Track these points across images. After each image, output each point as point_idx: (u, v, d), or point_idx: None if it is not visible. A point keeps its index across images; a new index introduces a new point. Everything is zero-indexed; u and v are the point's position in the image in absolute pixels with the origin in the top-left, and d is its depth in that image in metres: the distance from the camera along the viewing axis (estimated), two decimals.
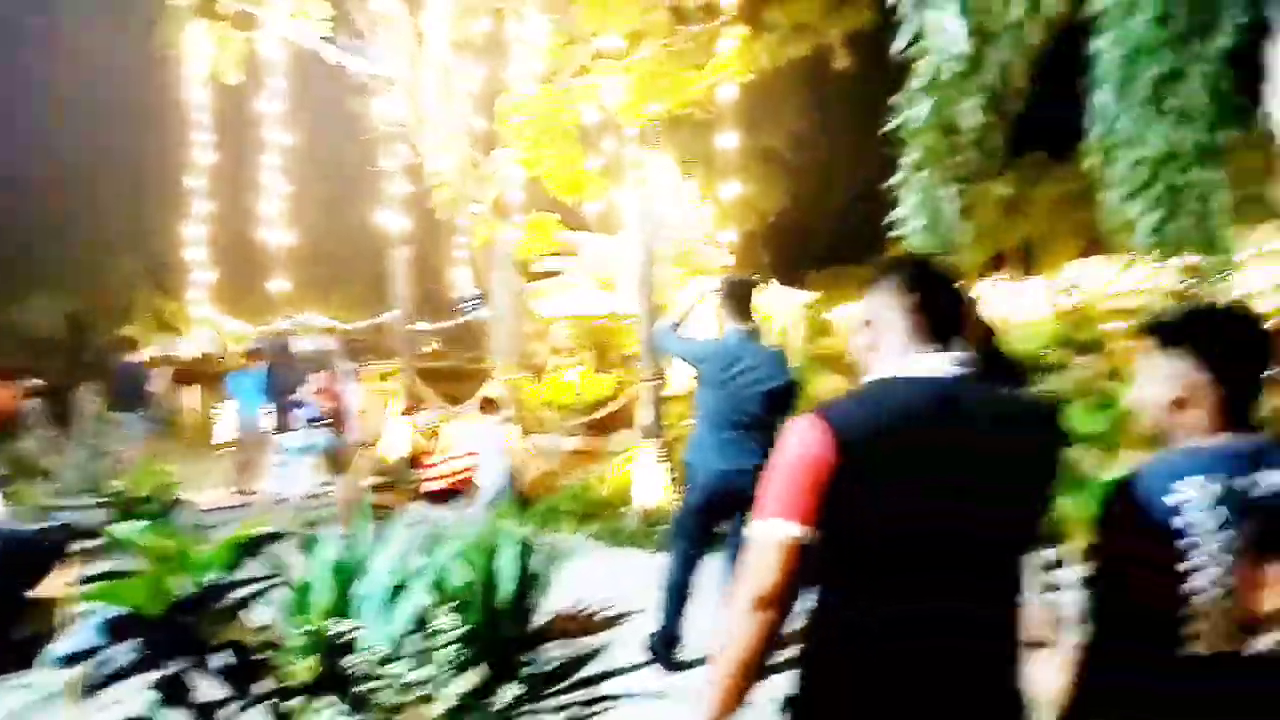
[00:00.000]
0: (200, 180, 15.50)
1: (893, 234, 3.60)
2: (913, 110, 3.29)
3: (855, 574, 1.58)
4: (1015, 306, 17.36)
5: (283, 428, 6.83)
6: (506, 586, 3.88)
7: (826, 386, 8.66)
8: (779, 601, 1.55)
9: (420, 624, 3.09)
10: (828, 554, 1.58)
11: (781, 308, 22.73)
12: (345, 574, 3.56)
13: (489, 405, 7.63)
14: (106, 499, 6.88)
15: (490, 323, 8.38)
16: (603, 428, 11.04)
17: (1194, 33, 2.42)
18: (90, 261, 49.02)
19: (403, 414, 9.60)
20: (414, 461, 9.29)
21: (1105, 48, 2.54)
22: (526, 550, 4.25)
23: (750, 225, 30.94)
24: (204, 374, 19.08)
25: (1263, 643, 1.59)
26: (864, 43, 14.44)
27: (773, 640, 1.58)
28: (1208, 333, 1.68)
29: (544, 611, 4.58)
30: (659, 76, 12.90)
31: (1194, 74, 2.43)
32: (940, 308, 1.70)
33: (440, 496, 8.71)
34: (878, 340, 1.73)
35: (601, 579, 5.90)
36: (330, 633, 2.95)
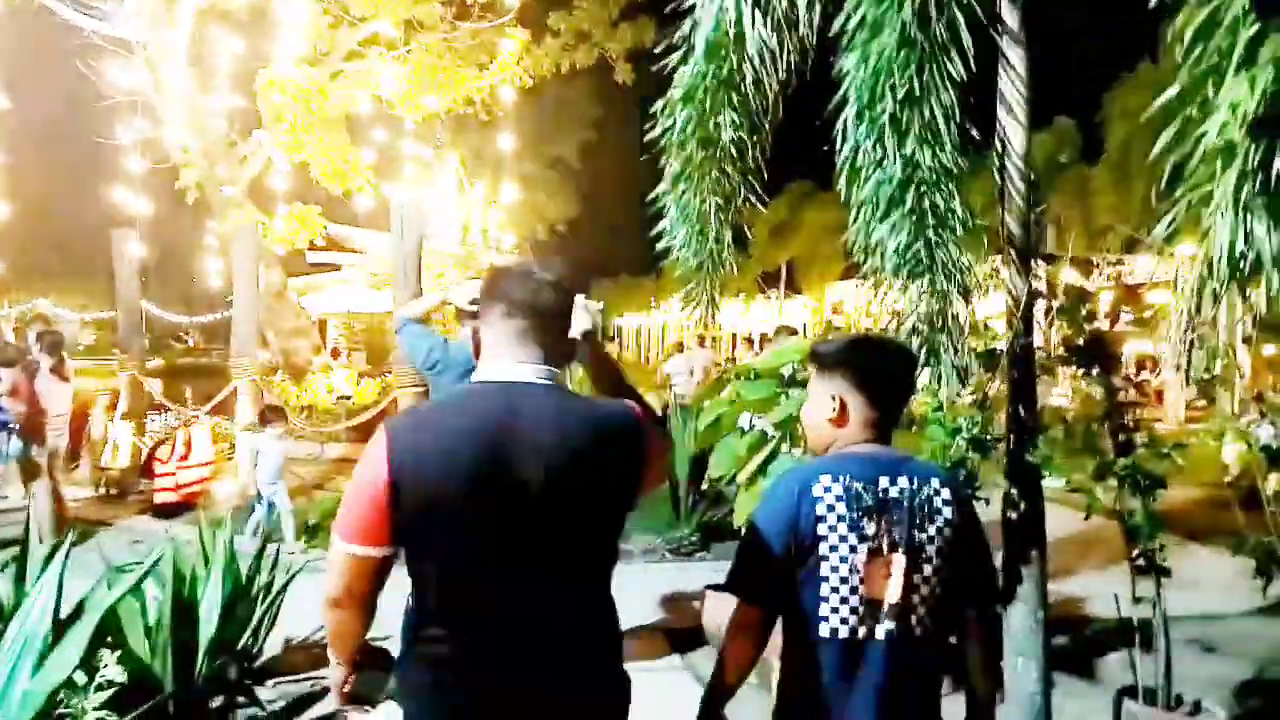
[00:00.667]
0: None
1: (659, 245, 3.48)
2: (672, 120, 3.17)
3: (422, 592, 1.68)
4: (783, 322, 18.18)
5: None
6: (208, 620, 3.39)
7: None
8: (349, 604, 1.67)
9: (85, 674, 2.58)
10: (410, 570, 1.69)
11: None
12: None
13: (272, 414, 6.81)
14: None
15: (238, 319, 7.59)
16: (369, 433, 10.38)
17: (935, 55, 2.45)
18: None
19: (124, 417, 8.51)
20: (146, 470, 8.26)
21: (851, 68, 2.52)
22: (234, 574, 3.76)
23: (538, 232, 30.91)
24: None
25: (888, 628, 1.76)
26: (649, 59, 14.71)
27: (357, 628, 1.71)
28: (861, 359, 1.90)
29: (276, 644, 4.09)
30: (436, 71, 12.43)
31: (934, 97, 2.46)
32: (535, 312, 1.70)
33: (173, 509, 7.78)
34: (479, 343, 1.76)
35: None
36: None
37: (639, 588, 5.61)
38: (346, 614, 1.68)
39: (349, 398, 12.27)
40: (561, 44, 13.80)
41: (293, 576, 4.08)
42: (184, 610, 3.28)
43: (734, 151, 3.23)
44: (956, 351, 2.74)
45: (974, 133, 2.62)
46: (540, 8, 13.73)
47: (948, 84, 2.52)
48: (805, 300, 31.90)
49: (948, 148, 2.54)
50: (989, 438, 3.48)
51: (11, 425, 5.94)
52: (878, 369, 1.90)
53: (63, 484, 6.66)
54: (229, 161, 12.34)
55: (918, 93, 2.48)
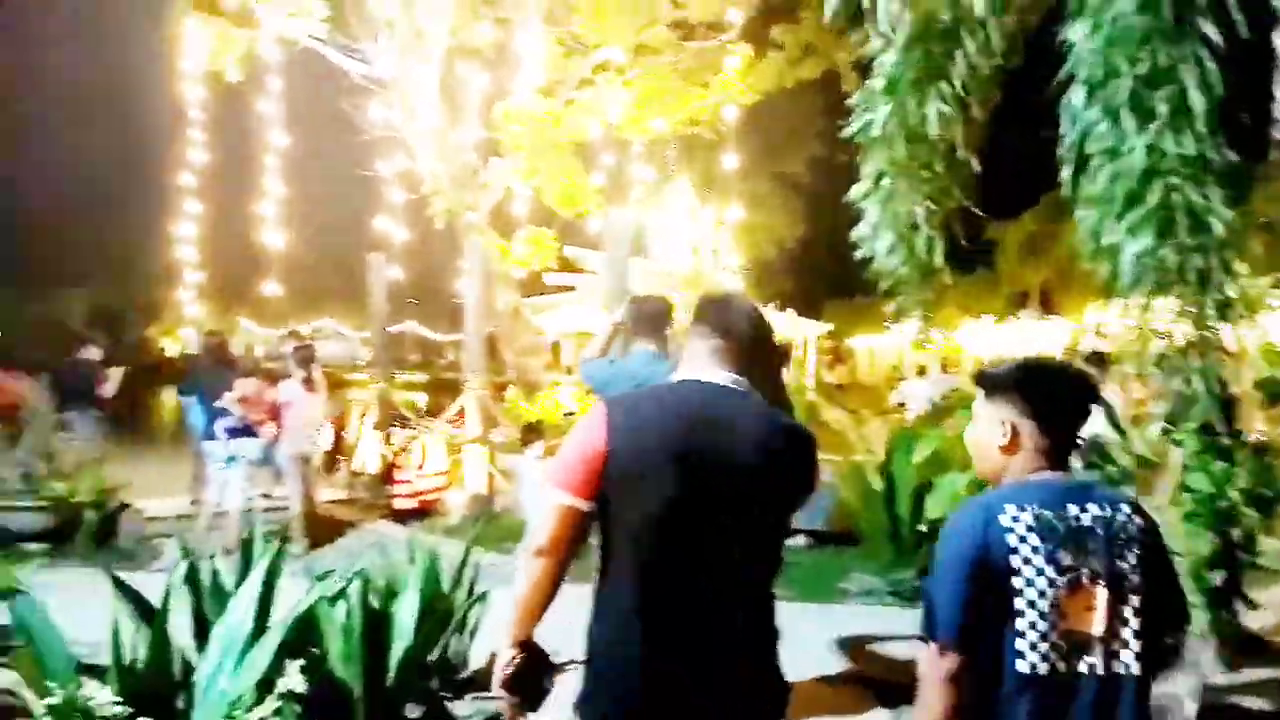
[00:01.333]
0: (194, 179, 15.25)
1: (857, 255, 3.18)
2: (871, 114, 2.87)
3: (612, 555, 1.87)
4: (1036, 348, 16.83)
5: (210, 435, 6.45)
6: (403, 630, 3.47)
7: (836, 417, 8.20)
8: (550, 552, 1.84)
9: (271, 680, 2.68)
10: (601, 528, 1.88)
11: (796, 337, 22.43)
12: (211, 610, 3.17)
13: (532, 433, 6.93)
14: (44, 503, 6.55)
15: (469, 337, 8.00)
16: None
17: (1188, 22, 2.01)
18: (118, 258, 49.48)
19: (375, 427, 9.22)
20: (388, 477, 8.90)
21: (1079, 39, 2.13)
22: (434, 583, 3.84)
23: (767, 252, 30.69)
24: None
25: (1092, 662, 1.69)
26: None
27: (548, 587, 1.86)
28: (1033, 384, 1.85)
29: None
30: (663, 92, 12.61)
31: (1187, 72, 2.02)
32: (730, 335, 1.97)
33: (410, 515, 8.32)
34: (685, 355, 2.01)
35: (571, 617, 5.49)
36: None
37: (852, 631, 5.23)
38: (544, 564, 1.84)
39: (574, 414, 12.64)
40: (786, 57, 13.55)
41: (478, 598, 4.08)
42: (379, 619, 3.37)
43: (944, 148, 2.88)
44: (1220, 383, 2.25)
45: (1244, 117, 2.14)
46: (763, 22, 13.57)
47: (1206, 56, 2.07)
48: (1061, 322, 29.34)
49: (1205, 135, 2.08)
50: (1272, 493, 2.83)
51: (251, 430, 6.55)
52: (1050, 394, 1.84)
53: (315, 487, 7.26)
54: (473, 189, 13.17)
55: (1164, 67, 2.05)
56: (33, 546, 6.62)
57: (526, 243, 13.21)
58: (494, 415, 8.45)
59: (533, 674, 1.87)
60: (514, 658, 1.87)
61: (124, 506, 6.95)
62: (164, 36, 13.91)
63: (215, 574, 3.65)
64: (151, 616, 3.16)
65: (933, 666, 1.75)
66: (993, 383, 1.89)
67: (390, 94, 13.18)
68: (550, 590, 1.87)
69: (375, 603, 3.48)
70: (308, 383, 7.00)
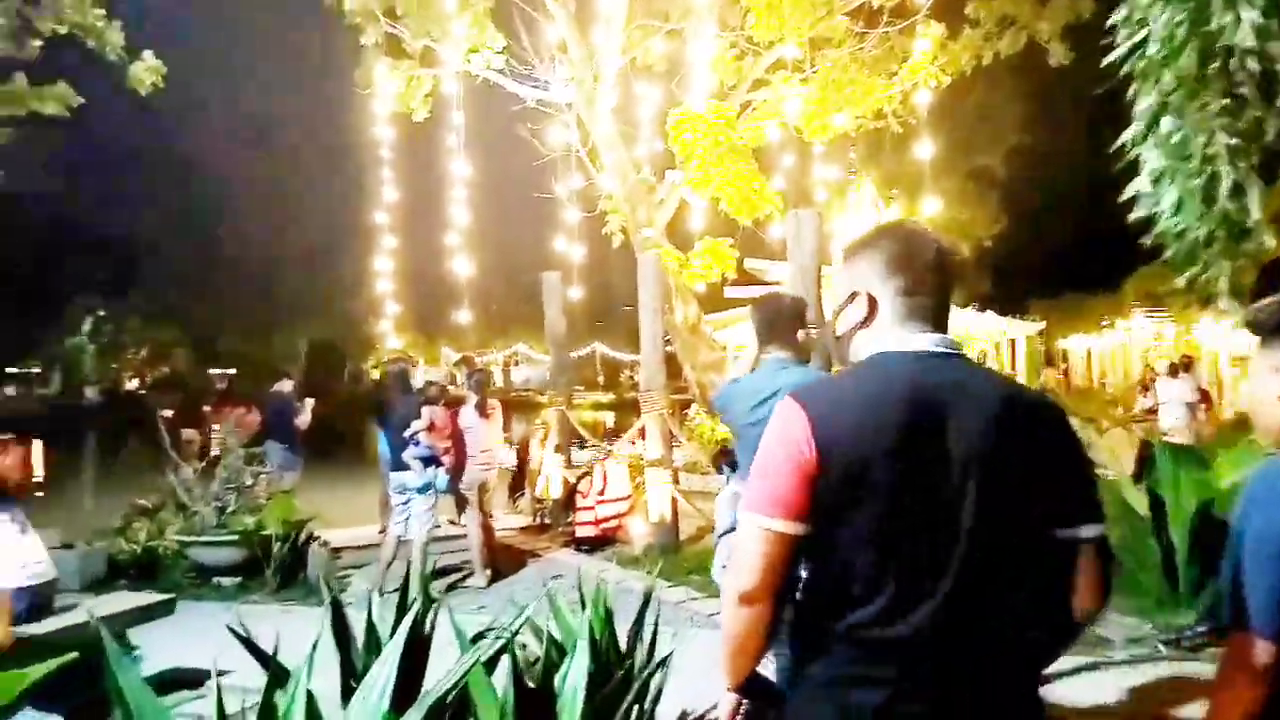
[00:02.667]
0: (389, 217, 15.85)
1: (1133, 216, 2.38)
2: (1145, 29, 2.09)
3: (837, 580, 1.49)
4: None
5: (398, 465, 6.28)
6: (568, 705, 2.95)
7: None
8: (760, 594, 1.50)
9: None
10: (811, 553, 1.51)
11: (1000, 339, 20.69)
12: (362, 663, 2.78)
13: (724, 458, 6.44)
14: (235, 536, 6.65)
15: (645, 354, 7.55)
16: None
17: None
18: (330, 297, 53.77)
19: (555, 450, 8.95)
20: (569, 503, 8.58)
21: None
22: (608, 639, 3.31)
23: (960, 251, 28.72)
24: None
25: None
26: (1086, 36, 12.65)
27: (763, 631, 1.54)
28: None
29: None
30: (843, 85, 11.81)
31: None
32: (931, 286, 1.58)
33: (592, 543, 7.95)
34: (865, 317, 1.60)
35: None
36: None
37: (1119, 692, 4.26)
38: (755, 611, 1.52)
39: None
40: (982, 33, 12.36)
41: (661, 662, 3.52)
42: (539, 698, 2.87)
43: (1255, 64, 2.05)
44: None
45: None
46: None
47: None
48: None
49: None
50: None
51: (439, 459, 6.35)
52: None
53: (493, 515, 7.02)
54: (648, 204, 12.88)
55: None
56: (226, 580, 6.72)
57: (704, 254, 12.74)
58: (675, 435, 7.94)
59: (764, 714, 1.66)
60: (739, 704, 1.63)
61: (311, 539, 6.96)
62: (357, 86, 14.57)
63: (370, 623, 3.28)
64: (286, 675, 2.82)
65: (1243, 657, 1.50)
66: (1265, 326, 1.61)
67: (566, 115, 13.18)
68: (766, 631, 1.56)
69: (539, 667, 2.98)
70: (482, 408, 6.76)
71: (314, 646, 2.92)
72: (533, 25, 13.28)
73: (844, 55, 12.10)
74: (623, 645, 3.63)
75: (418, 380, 6.82)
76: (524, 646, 3.28)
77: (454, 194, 15.21)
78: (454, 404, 6.79)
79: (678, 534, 7.72)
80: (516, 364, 59.68)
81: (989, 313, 19.59)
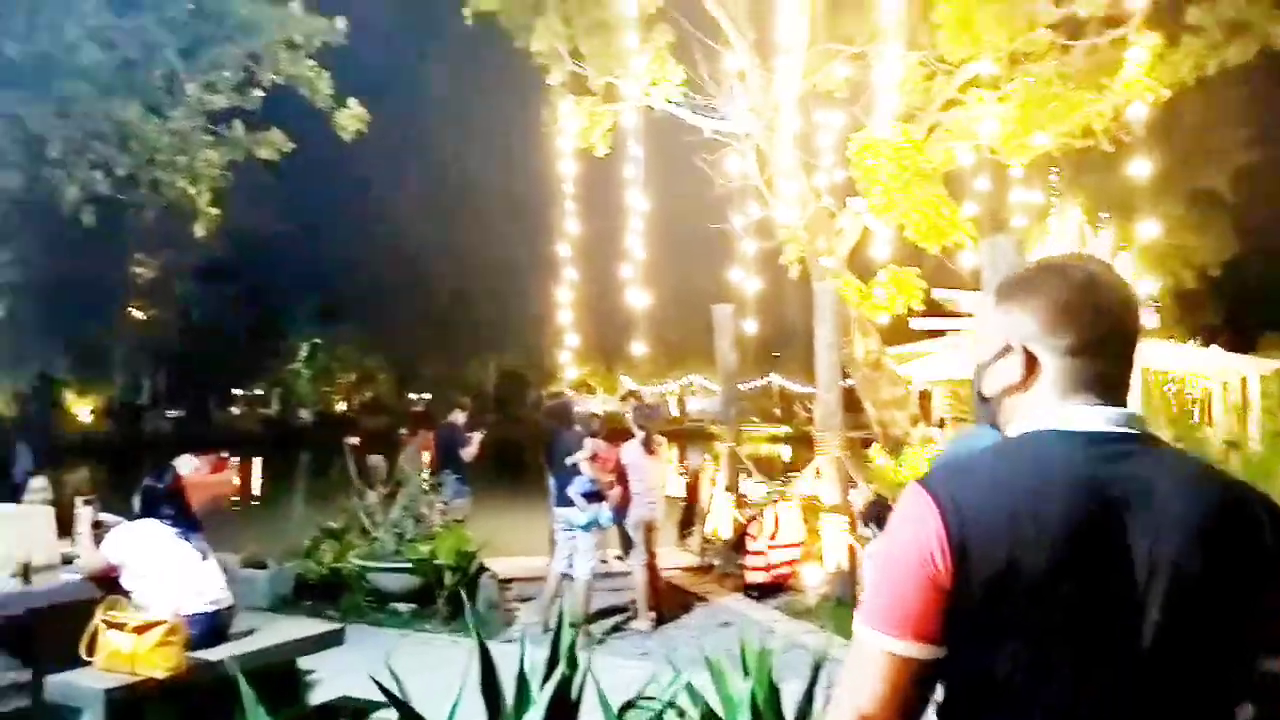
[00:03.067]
0: (570, 249, 16.18)
1: None
2: None
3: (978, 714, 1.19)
4: None
5: (561, 500, 6.17)
6: None
7: None
8: None
9: None
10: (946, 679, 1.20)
11: (1230, 377, 18.56)
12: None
13: (873, 509, 5.91)
14: (409, 564, 6.77)
15: (821, 390, 7.14)
16: None
17: None
18: (518, 327, 56.21)
19: (726, 488, 8.65)
20: (739, 545, 8.24)
21: None
22: (773, 714, 2.98)
23: (1184, 279, 26.11)
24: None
25: None
26: None
27: None
28: None
29: None
30: (1045, 101, 10.92)
31: None
32: (1110, 345, 1.24)
33: (762, 590, 7.57)
34: (1020, 379, 1.26)
35: None
36: None
37: None
38: None
39: None
40: (1206, 42, 11.14)
41: None
42: None
43: None
44: None
45: None
46: (1173, 4, 11.30)
47: None
48: None
49: None
50: None
51: (603, 494, 6.19)
52: None
53: (658, 555, 6.80)
54: (828, 233, 12.44)
55: None
56: (402, 607, 6.85)
57: (888, 284, 12.12)
58: (853, 477, 7.46)
59: None
60: None
61: (482, 570, 6.98)
62: (543, 125, 15.04)
63: (520, 675, 3.09)
64: None
65: None
66: None
67: (743, 145, 12.99)
68: None
69: None
70: (648, 445, 6.58)
71: (455, 703, 2.77)
72: (712, 56, 13.23)
73: (1047, 69, 11.23)
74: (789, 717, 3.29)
75: (582, 409, 6.71)
76: (682, 715, 3.00)
77: (632, 227, 15.34)
78: (620, 438, 6.65)
79: (855, 585, 7.20)
80: (692, 394, 59.92)
81: (1214, 347, 17.61)
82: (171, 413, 51.19)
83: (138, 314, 48.58)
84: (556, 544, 6.34)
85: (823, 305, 7.15)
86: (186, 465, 21.51)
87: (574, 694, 2.83)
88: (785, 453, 33.20)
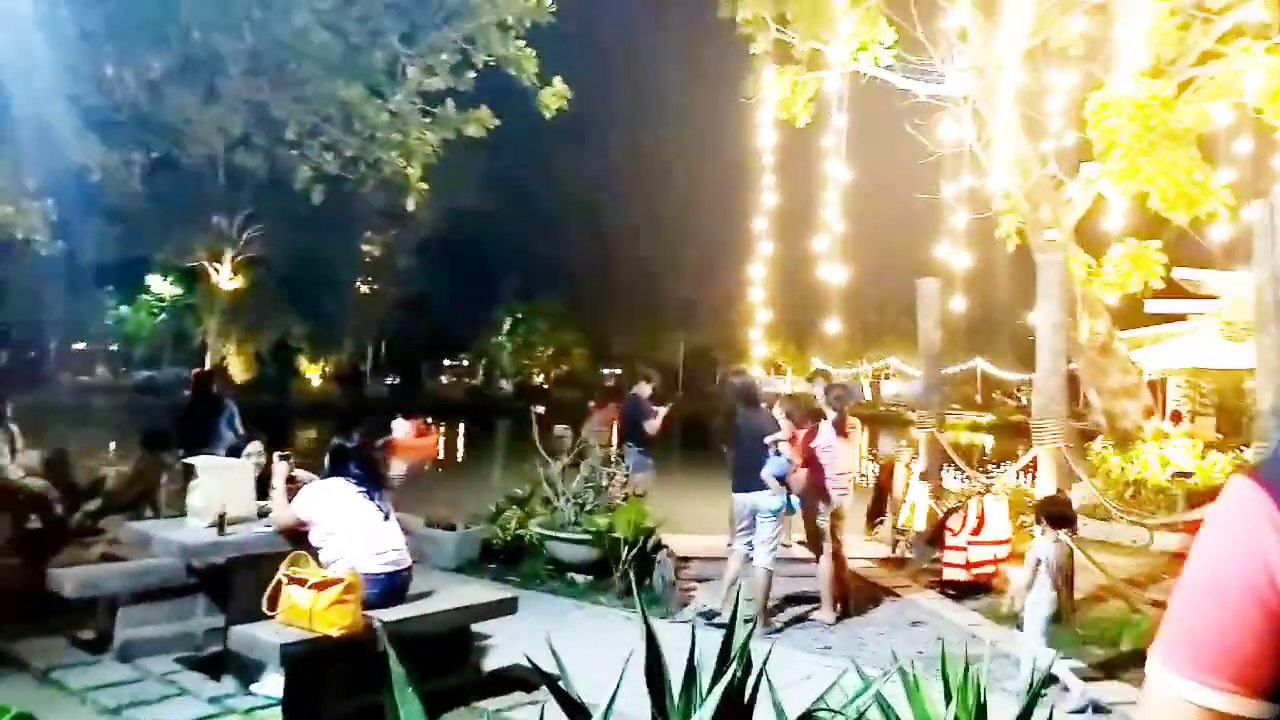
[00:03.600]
0: (766, 223, 15.68)
1: None
2: None
3: None
4: None
5: (743, 485, 5.78)
6: None
7: None
8: None
9: None
10: None
11: None
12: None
13: (1048, 507, 5.20)
14: (590, 535, 6.67)
15: (1042, 375, 6.38)
16: None
17: None
18: (709, 304, 56.35)
19: (922, 477, 7.98)
20: (936, 539, 7.59)
21: None
22: None
23: None
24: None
25: None
26: None
27: None
28: None
29: None
30: None
31: None
32: None
33: (960, 588, 6.92)
34: None
35: None
36: None
37: None
38: None
39: (1189, 475, 9.84)
40: None
41: None
42: None
43: None
44: None
45: None
46: None
47: None
48: None
49: None
50: None
51: (785, 478, 5.77)
52: None
53: (845, 545, 6.33)
54: (1053, 202, 11.29)
55: None
56: (580, 578, 6.77)
57: (1123, 261, 10.85)
58: (1075, 472, 6.63)
59: None
60: None
61: (660, 546, 6.78)
62: (743, 96, 14.61)
63: (689, 668, 2.79)
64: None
65: None
66: None
67: (961, 109, 12.01)
68: None
69: None
70: (841, 427, 6.10)
71: (614, 692, 2.51)
72: (928, 14, 12.28)
73: None
74: None
75: (770, 388, 6.29)
76: None
77: (831, 199, 14.63)
78: (809, 420, 6.21)
79: (1072, 592, 6.41)
80: (887, 377, 57.51)
81: None
82: (389, 380, 55.17)
83: (364, 288, 52.47)
84: (737, 527, 5.98)
85: (1048, 280, 6.35)
86: (400, 429, 22.87)
87: (746, 696, 2.50)
88: (987, 443, 31.11)
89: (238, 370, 47.33)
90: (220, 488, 4.37)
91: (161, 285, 50.12)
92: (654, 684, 2.67)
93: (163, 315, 50.66)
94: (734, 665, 2.39)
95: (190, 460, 4.78)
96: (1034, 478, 7.09)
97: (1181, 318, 14.81)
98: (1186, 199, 9.61)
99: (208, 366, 46.65)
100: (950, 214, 12.79)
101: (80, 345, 51.30)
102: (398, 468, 20.42)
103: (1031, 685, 2.82)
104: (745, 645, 2.45)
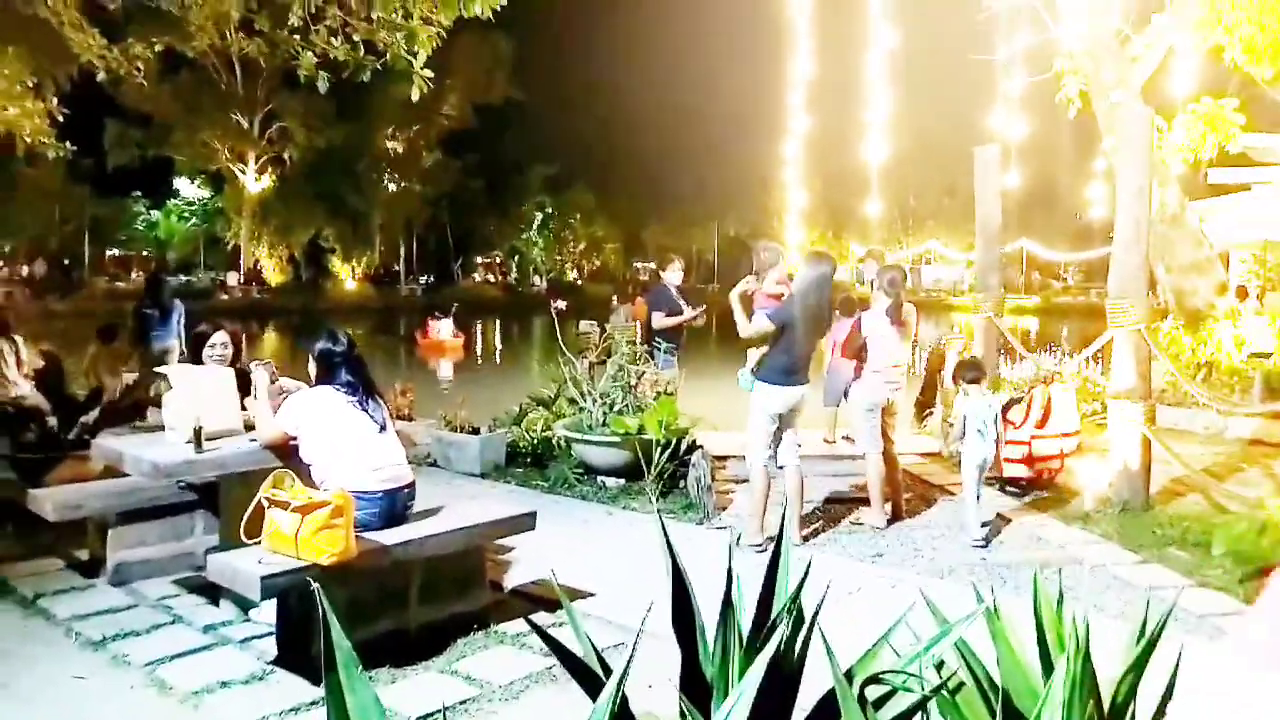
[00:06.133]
0: (802, 97, 14.65)
1: None
2: None
3: None
4: None
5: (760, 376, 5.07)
6: None
7: None
8: None
9: None
10: None
11: None
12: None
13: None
14: (619, 437, 6.22)
15: (1122, 248, 5.68)
16: None
17: None
18: (743, 190, 54.91)
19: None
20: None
21: None
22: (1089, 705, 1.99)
23: None
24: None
25: None
26: None
27: None
28: None
29: None
30: None
31: None
32: None
33: (1024, 485, 6.41)
34: None
35: None
36: None
37: None
38: None
39: (1268, 355, 9.12)
40: None
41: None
42: None
43: None
44: None
45: None
46: None
47: None
48: None
49: None
50: None
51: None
52: None
53: (895, 444, 5.79)
54: (1119, 61, 10.22)
55: None
56: (610, 481, 6.35)
57: (1196, 122, 9.87)
58: (1154, 355, 5.99)
59: None
60: None
61: (694, 447, 6.31)
62: None
63: (726, 616, 2.28)
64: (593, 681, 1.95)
65: None
66: None
67: None
68: None
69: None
70: (895, 314, 5.47)
71: (632, 653, 1.99)
72: None
73: None
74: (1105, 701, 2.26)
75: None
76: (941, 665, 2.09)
77: (875, 67, 13.55)
78: (855, 307, 5.60)
79: (1148, 487, 5.87)
80: (928, 263, 56.00)
81: None
82: (423, 279, 54.87)
83: (390, 186, 51.60)
84: (757, 428, 5.36)
85: (1130, 140, 5.55)
86: (440, 329, 22.51)
87: (795, 656, 1.99)
88: (1033, 327, 30.11)
89: (272, 273, 47.25)
90: (196, 399, 3.91)
91: (189, 189, 49.73)
92: (684, 631, 2.18)
93: (193, 220, 50.44)
94: (783, 626, 1.88)
95: (162, 369, 4.33)
96: (1102, 363, 6.44)
97: (1245, 188, 13.77)
98: (1274, 48, 8.57)
99: (241, 269, 46.59)
100: (1005, 78, 11.74)
101: (114, 251, 51.44)
102: (445, 369, 20.21)
103: (1147, 626, 2.30)
104: (797, 598, 1.94)
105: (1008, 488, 6.41)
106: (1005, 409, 6.63)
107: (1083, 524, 5.59)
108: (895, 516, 5.67)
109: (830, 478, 6.46)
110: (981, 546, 5.16)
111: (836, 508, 5.96)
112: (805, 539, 5.28)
